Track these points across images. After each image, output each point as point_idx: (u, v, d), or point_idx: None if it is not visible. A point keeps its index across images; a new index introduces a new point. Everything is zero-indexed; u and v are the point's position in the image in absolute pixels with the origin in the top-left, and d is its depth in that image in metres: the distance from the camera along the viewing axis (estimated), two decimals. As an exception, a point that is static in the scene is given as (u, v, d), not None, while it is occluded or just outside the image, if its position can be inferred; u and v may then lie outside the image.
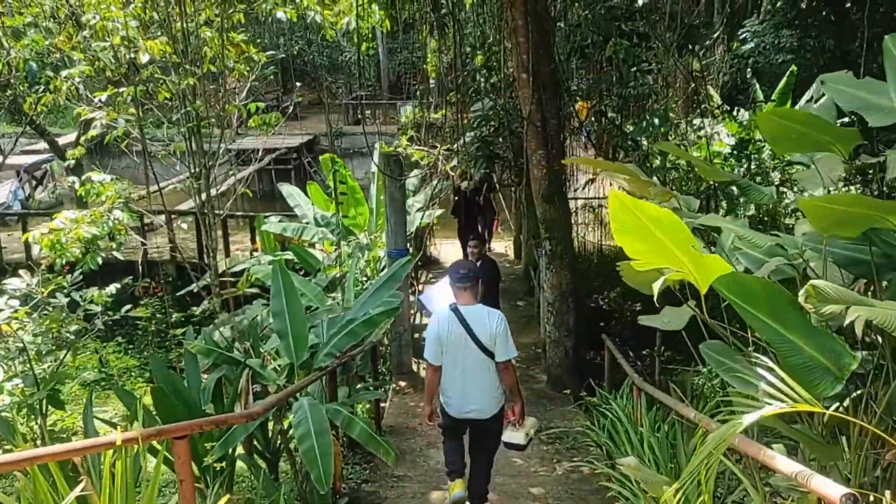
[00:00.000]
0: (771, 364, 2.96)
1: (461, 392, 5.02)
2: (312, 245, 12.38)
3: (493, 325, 4.92)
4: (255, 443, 5.76)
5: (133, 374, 12.82)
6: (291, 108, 27.07)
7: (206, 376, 6.04)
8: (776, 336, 3.29)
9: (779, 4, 14.69)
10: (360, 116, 26.78)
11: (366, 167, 19.96)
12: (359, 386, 9.72)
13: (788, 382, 2.79)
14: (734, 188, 11.08)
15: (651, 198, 4.05)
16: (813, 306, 2.85)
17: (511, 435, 5.35)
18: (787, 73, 13.85)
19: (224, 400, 5.68)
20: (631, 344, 13.44)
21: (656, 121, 8.23)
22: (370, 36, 15.35)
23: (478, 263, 8.53)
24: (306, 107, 30.71)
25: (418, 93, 13.13)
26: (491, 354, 4.93)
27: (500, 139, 9.21)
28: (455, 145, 9.69)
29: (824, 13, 14.29)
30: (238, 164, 22.72)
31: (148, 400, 5.36)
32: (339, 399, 6.32)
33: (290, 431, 5.54)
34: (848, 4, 13.98)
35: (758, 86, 14.21)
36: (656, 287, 3.18)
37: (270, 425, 5.93)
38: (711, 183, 9.91)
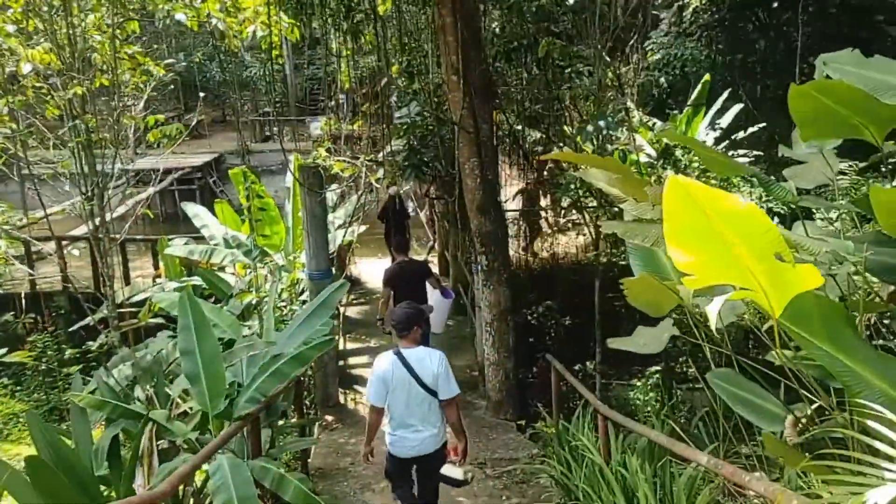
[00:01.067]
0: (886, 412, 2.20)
1: (406, 431, 5.16)
2: (223, 269, 11.24)
3: (435, 365, 5.08)
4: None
5: (21, 420, 11.29)
6: (193, 124, 25.58)
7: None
8: (837, 365, 2.55)
9: (684, 15, 14.58)
10: (268, 133, 25.53)
11: (276, 185, 18.78)
12: (281, 423, 8.70)
13: None
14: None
15: (649, 201, 3.32)
16: None
17: (450, 469, 5.31)
18: (702, 81, 13.67)
19: (122, 463, 4.59)
20: (563, 360, 12.86)
21: (602, 123, 7.56)
22: (278, 47, 14.38)
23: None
24: (210, 125, 29.20)
25: (332, 104, 12.19)
26: (434, 393, 5.09)
27: (429, 147, 8.38)
28: (380, 155, 8.81)
29: (727, 24, 14.26)
30: (136, 185, 21.13)
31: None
32: (263, 449, 5.32)
33: (206, 496, 4.51)
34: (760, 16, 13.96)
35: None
36: (713, 310, 2.39)
37: (180, 489, 4.88)
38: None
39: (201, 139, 26.06)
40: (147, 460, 4.33)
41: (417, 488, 5.34)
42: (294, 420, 8.03)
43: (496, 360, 8.54)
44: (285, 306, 9.21)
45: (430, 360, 5.10)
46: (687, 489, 4.26)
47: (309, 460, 7.75)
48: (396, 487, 5.43)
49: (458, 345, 10.87)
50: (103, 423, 5.22)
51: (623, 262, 13.24)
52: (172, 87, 26.83)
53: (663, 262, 4.02)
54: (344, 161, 8.73)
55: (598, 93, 8.15)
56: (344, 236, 9.93)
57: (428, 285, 8.64)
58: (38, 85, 9.32)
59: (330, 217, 10.09)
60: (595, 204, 11.54)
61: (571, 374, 11.97)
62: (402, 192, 11.73)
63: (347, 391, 9.50)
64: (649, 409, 11.15)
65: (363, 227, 11.34)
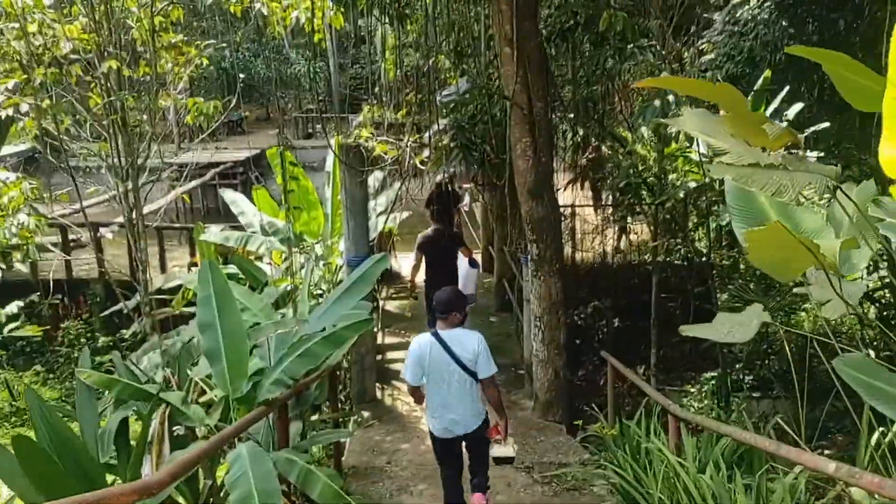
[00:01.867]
0: None
1: (446, 411, 5.15)
2: (259, 258, 10.73)
3: (474, 344, 5.09)
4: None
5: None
6: (236, 119, 25.28)
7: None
8: None
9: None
10: (310, 131, 25.15)
11: (317, 182, 18.35)
12: (314, 417, 8.12)
13: None
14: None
15: (767, 144, 2.62)
16: None
17: (499, 450, 5.39)
18: (763, 76, 12.79)
19: (130, 449, 4.00)
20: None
21: (657, 103, 6.82)
22: (322, 38, 13.88)
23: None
24: (254, 122, 28.96)
25: (376, 90, 11.62)
26: (473, 374, 5.08)
27: (478, 127, 7.73)
28: (425, 136, 8.18)
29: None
30: (178, 179, 20.86)
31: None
32: (291, 441, 4.71)
33: (225, 491, 3.90)
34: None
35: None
36: None
37: (201, 480, 4.28)
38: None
39: (244, 136, 25.79)
40: (157, 447, 3.74)
41: (468, 452, 5.42)
42: (328, 414, 7.44)
43: (545, 358, 7.83)
44: (322, 294, 8.63)
45: (468, 341, 5.10)
46: (791, 500, 3.54)
47: (343, 458, 7.14)
48: (443, 470, 5.52)
49: (502, 343, 10.18)
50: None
51: (677, 262, 12.51)
52: (217, 81, 26.74)
53: (785, 217, 3.32)
54: (387, 142, 8.11)
55: (664, 67, 7.40)
56: (385, 223, 9.32)
57: (460, 254, 8.75)
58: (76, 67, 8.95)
59: (371, 204, 9.50)
60: (649, 200, 10.79)
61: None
62: (451, 178, 11.09)
63: (385, 387, 8.88)
64: (704, 416, 10.36)
65: (406, 214, 10.73)
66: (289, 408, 4.68)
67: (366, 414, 8.17)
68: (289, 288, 8.18)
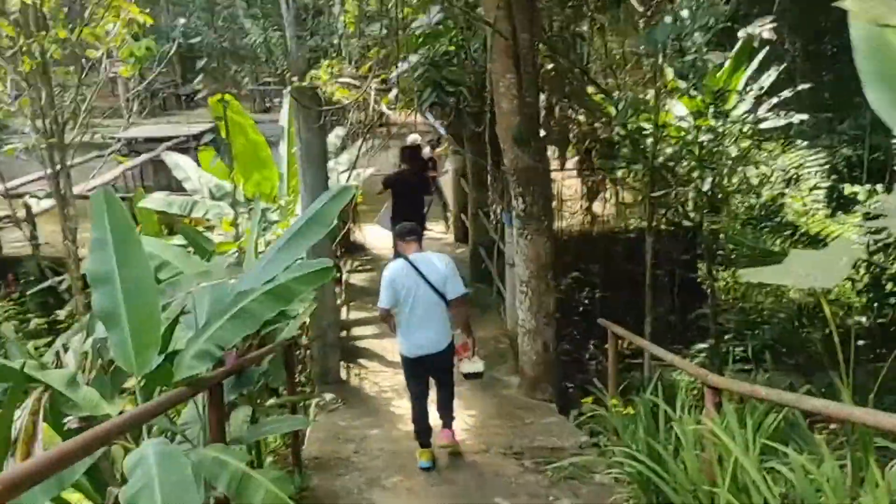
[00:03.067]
0: None
1: (417, 332, 5.35)
2: (212, 228, 9.50)
3: (443, 266, 5.34)
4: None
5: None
6: (192, 94, 23.75)
7: None
8: None
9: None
10: (268, 104, 23.70)
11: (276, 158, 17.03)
12: (271, 402, 6.96)
13: None
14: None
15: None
16: None
17: (468, 366, 5.68)
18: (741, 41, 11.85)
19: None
20: (594, 337, 11.12)
21: (668, 19, 5.73)
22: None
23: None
24: (208, 96, 27.33)
25: (335, 43, 10.37)
26: (442, 295, 5.31)
27: (454, 67, 6.60)
28: (392, 74, 7.01)
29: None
30: (128, 154, 19.30)
31: None
32: (230, 432, 3.58)
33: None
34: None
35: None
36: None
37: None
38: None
39: (199, 109, 24.24)
40: (24, 447, 2.59)
41: (434, 378, 5.64)
42: (284, 397, 6.31)
43: (533, 328, 6.79)
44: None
45: (437, 263, 5.37)
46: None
47: (303, 448, 6.02)
48: (412, 388, 5.70)
49: (481, 314, 9.10)
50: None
51: (672, 228, 11.56)
52: (169, 54, 25.03)
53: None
54: (347, 85, 6.94)
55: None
56: (348, 181, 8.13)
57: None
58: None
59: (331, 163, 8.31)
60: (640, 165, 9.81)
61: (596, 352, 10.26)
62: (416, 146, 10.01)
63: (351, 365, 7.75)
64: (696, 391, 9.46)
65: (370, 170, 9.56)
66: (224, 388, 3.53)
67: (329, 396, 7.04)
68: (237, 255, 7.02)
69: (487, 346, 8.21)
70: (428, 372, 5.59)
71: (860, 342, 10.69)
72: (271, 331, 5.51)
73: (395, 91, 6.79)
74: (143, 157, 19.09)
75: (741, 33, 5.74)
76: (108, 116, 23.59)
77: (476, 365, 5.66)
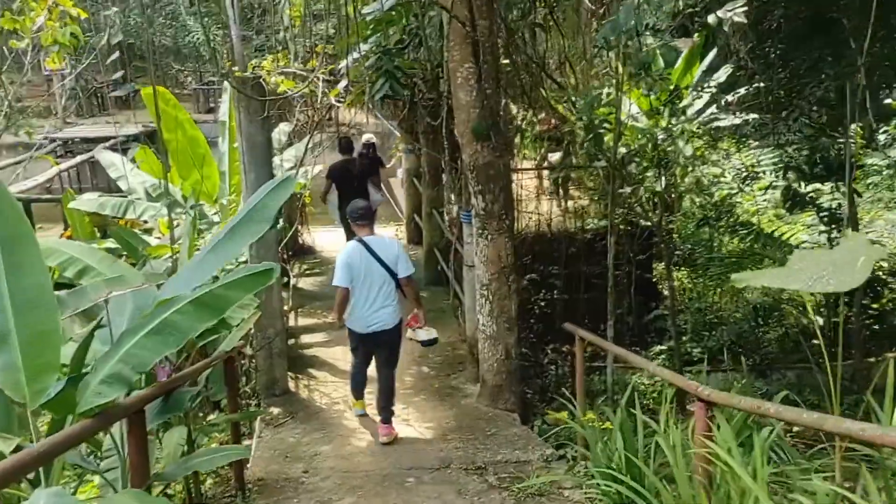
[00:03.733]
0: None
1: (368, 309, 5.67)
2: (150, 231, 8.81)
3: (395, 248, 5.76)
4: None
5: None
6: (133, 94, 22.75)
7: None
8: None
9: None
10: (213, 105, 22.84)
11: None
12: (212, 417, 6.38)
13: None
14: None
15: None
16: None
17: (423, 334, 6.00)
18: (694, 36, 11.63)
19: None
20: (551, 341, 10.76)
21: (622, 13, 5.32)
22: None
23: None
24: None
25: (279, 37, 9.75)
26: (394, 274, 5.68)
27: (408, 53, 6.11)
28: (341, 64, 6.48)
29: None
30: (64, 155, 18.23)
31: None
32: (163, 457, 3.02)
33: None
34: None
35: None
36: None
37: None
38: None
39: (141, 109, 23.19)
40: None
41: (378, 361, 5.97)
42: (222, 415, 5.72)
43: (493, 333, 6.33)
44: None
45: (389, 245, 5.76)
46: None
47: (246, 468, 5.44)
48: (356, 357, 6.09)
49: (437, 320, 8.56)
50: None
51: (629, 228, 11.25)
52: (107, 51, 23.91)
53: None
54: (293, 73, 6.39)
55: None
56: (294, 178, 7.56)
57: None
58: None
59: (276, 160, 7.72)
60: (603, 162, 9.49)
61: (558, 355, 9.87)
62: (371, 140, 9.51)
63: (300, 376, 7.18)
64: (655, 394, 9.17)
65: (318, 168, 8.98)
66: (151, 416, 2.98)
67: (275, 410, 6.46)
68: (173, 258, 6.38)
69: (444, 353, 7.73)
70: (375, 348, 5.91)
71: (814, 342, 10.58)
72: (212, 340, 4.96)
73: (344, 82, 6.24)
74: (80, 157, 18.14)
75: (711, 18, 5.37)
76: (44, 116, 22.48)
77: (431, 332, 5.99)
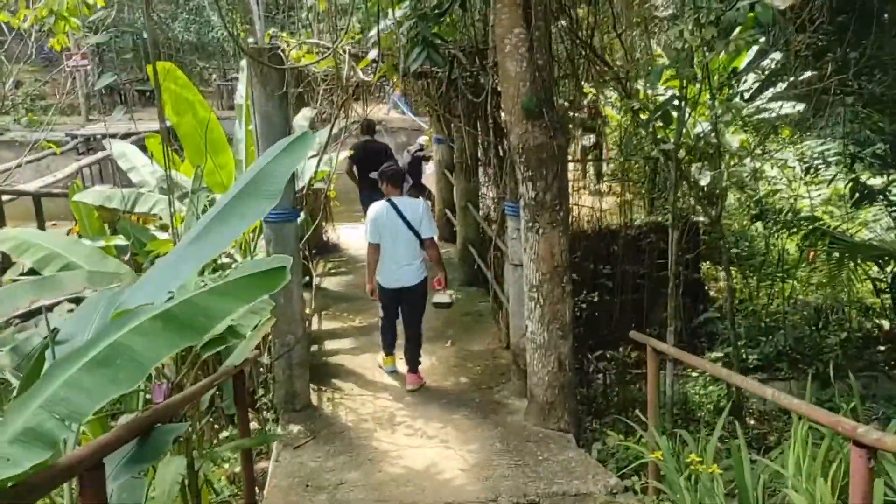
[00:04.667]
0: None
1: (394, 266, 5.97)
2: (165, 228, 7.98)
3: (420, 210, 5.98)
4: None
5: None
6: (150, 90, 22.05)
7: None
8: None
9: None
10: (235, 101, 22.06)
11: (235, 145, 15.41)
12: (224, 435, 5.56)
13: None
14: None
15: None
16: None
17: (438, 297, 6.33)
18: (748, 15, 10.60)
19: None
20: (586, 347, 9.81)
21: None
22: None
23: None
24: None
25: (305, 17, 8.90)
26: (418, 234, 5.93)
27: (447, 18, 5.20)
28: (370, 34, 5.59)
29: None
30: (87, 151, 17.59)
31: None
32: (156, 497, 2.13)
33: None
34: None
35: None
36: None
37: None
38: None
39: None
40: None
41: (404, 315, 6.21)
42: (234, 437, 4.85)
43: (545, 342, 5.40)
44: (228, 265, 5.95)
45: (415, 206, 6.00)
46: None
47: (261, 500, 4.57)
48: (385, 312, 6.27)
49: (473, 325, 7.68)
50: None
51: (666, 224, 10.28)
52: (133, 49, 23.34)
53: None
54: (316, 46, 5.51)
55: None
56: (317, 168, 6.67)
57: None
58: None
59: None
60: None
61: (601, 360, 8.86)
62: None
63: (323, 388, 6.29)
64: (711, 405, 8.18)
65: (344, 154, 8.11)
66: (118, 468, 2.10)
67: (295, 428, 5.58)
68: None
69: (484, 362, 6.81)
70: (401, 303, 6.16)
71: (880, 347, 9.50)
72: (223, 349, 4.09)
73: (373, 52, 5.34)
74: (101, 153, 17.44)
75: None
76: (66, 113, 21.86)
77: (445, 296, 6.28)
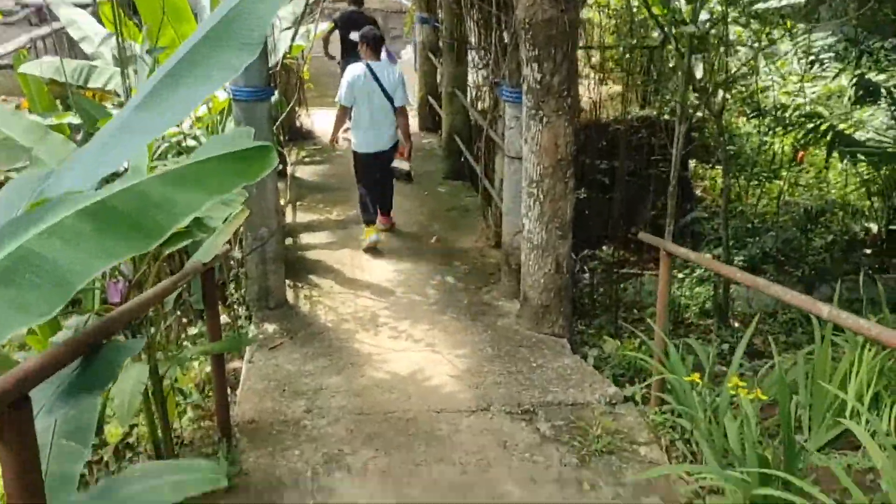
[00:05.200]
0: None
1: (369, 130, 6.04)
2: (122, 105, 7.21)
3: (395, 76, 5.99)
4: None
5: None
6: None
7: None
8: None
9: None
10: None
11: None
12: (193, 331, 5.12)
13: None
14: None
15: None
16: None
17: (398, 163, 6.24)
18: None
19: None
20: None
21: None
22: None
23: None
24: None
25: None
26: (391, 100, 5.95)
27: None
28: None
29: None
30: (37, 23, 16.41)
31: None
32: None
33: None
34: None
35: None
36: None
37: None
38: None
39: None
40: None
41: (378, 180, 6.31)
42: (201, 332, 4.41)
43: (542, 242, 4.95)
44: (191, 148, 5.32)
45: (391, 72, 6.01)
46: None
47: (233, 409, 4.17)
48: (362, 179, 6.33)
49: (459, 219, 7.20)
50: None
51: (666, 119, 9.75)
52: None
53: None
54: None
55: None
56: (292, 41, 5.94)
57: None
58: None
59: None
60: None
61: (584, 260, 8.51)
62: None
63: (299, 285, 5.82)
64: (697, 308, 7.96)
65: (324, 25, 7.34)
66: (55, 398, 1.64)
67: (270, 328, 5.15)
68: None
69: (471, 260, 6.37)
70: (374, 166, 6.19)
71: (866, 251, 9.27)
72: (189, 244, 3.56)
73: None
74: (56, 24, 16.10)
75: None
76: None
77: (403, 164, 6.22)
